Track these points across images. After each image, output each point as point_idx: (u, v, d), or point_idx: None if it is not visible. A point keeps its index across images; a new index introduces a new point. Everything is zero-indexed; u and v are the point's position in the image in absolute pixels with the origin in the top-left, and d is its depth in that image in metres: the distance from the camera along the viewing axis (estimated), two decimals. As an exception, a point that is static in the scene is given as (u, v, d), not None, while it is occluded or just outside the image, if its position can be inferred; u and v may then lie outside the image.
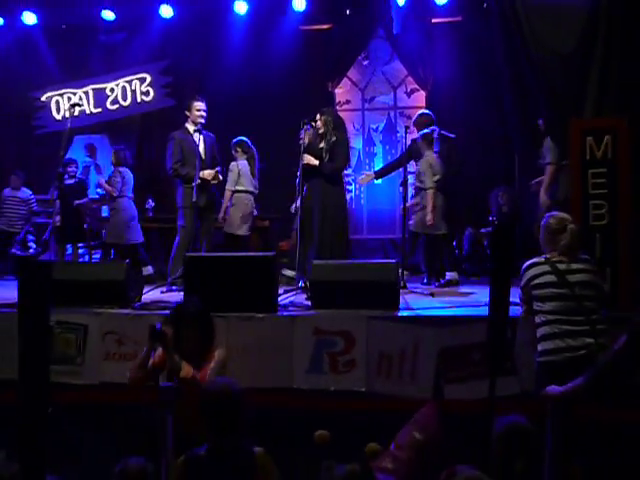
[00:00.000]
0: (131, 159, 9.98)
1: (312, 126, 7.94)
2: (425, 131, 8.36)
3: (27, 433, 2.31)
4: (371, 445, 3.99)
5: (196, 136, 8.04)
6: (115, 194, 9.46)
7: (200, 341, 4.75)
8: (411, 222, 8.29)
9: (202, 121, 8.07)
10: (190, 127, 8.09)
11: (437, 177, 8.16)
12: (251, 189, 8.90)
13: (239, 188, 8.82)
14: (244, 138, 9.07)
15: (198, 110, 8.09)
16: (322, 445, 4.26)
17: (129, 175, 9.77)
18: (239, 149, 9.03)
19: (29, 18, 11.09)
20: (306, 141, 8.11)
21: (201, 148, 8.05)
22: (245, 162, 8.91)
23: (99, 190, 10.54)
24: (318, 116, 8.03)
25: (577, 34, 7.32)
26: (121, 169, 9.67)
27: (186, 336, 4.69)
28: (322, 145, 7.93)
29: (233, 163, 8.86)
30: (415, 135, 8.93)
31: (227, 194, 8.79)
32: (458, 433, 4.65)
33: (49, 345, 2.31)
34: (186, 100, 8.60)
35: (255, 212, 9.07)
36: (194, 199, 7.84)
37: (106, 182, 9.70)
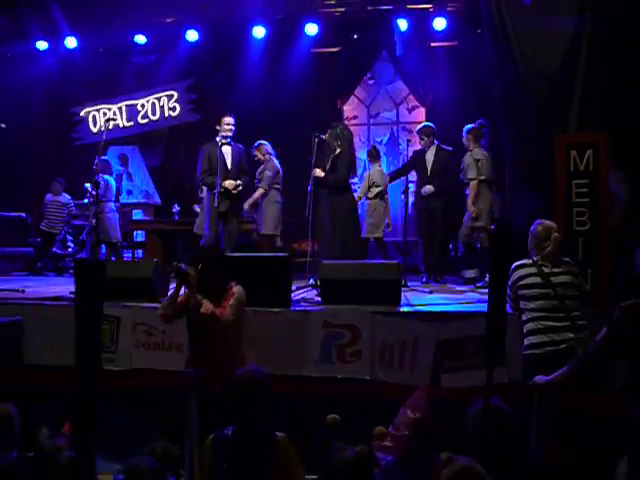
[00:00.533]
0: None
1: (323, 139, 7.96)
2: (471, 125, 8.27)
3: (83, 413, 2.34)
4: (379, 428, 3.99)
5: (224, 148, 8.09)
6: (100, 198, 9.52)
7: (218, 280, 4.78)
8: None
9: (230, 134, 8.10)
10: (219, 139, 8.13)
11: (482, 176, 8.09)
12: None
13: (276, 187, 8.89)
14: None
15: (227, 124, 8.12)
16: (333, 428, 4.26)
17: (112, 182, 9.84)
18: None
19: (71, 42, 11.19)
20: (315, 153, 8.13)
21: (228, 159, 8.07)
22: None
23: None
24: (328, 130, 8.08)
25: (562, 55, 7.29)
26: (105, 176, 9.73)
27: (206, 276, 4.71)
28: (329, 157, 7.98)
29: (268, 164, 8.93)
30: (417, 147, 8.96)
31: (260, 191, 8.86)
32: (453, 418, 4.66)
33: (101, 334, 2.34)
34: (211, 115, 8.64)
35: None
36: (215, 205, 7.87)
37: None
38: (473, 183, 7.99)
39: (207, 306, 4.61)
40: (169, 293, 4.85)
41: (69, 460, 3.26)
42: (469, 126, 8.23)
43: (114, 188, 9.93)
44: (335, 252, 7.64)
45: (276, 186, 8.96)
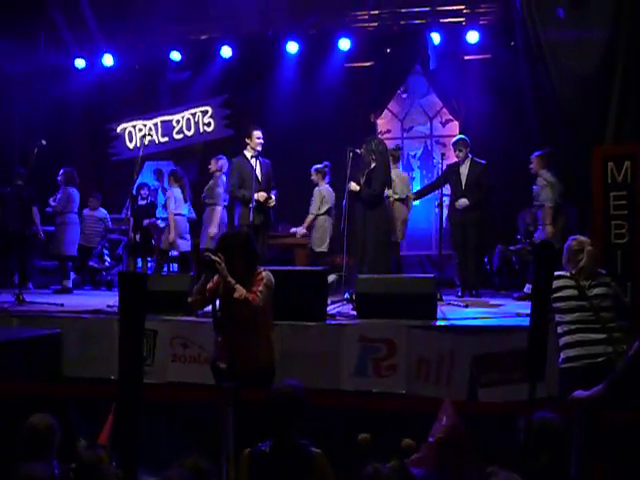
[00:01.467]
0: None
1: (358, 154, 7.98)
2: (539, 152, 8.15)
3: (126, 423, 2.37)
4: (406, 441, 3.96)
5: (253, 161, 8.12)
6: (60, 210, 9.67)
7: (246, 266, 4.76)
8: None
9: (259, 148, 8.14)
10: (248, 153, 8.16)
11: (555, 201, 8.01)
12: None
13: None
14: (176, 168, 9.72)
15: (258, 138, 8.18)
16: (365, 448, 4.24)
17: (75, 194, 9.90)
18: (171, 177, 9.73)
19: (107, 60, 11.39)
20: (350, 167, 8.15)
21: (258, 172, 8.11)
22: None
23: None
24: (363, 145, 8.10)
25: (597, 66, 7.26)
26: (69, 189, 9.80)
27: (233, 262, 4.69)
28: (362, 171, 8.00)
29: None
30: (450, 161, 8.95)
31: (310, 217, 8.97)
32: (490, 433, 4.62)
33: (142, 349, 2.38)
34: (244, 130, 8.70)
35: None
36: (250, 219, 7.91)
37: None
38: (548, 209, 7.89)
39: (240, 291, 4.58)
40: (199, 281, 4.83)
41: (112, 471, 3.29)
42: (538, 152, 8.15)
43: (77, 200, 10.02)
44: (369, 266, 7.64)
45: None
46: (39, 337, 5.81)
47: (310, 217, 9.06)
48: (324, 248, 8.95)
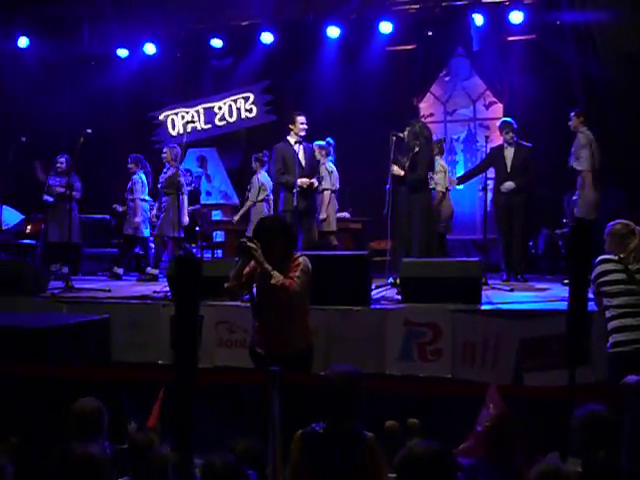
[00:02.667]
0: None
1: (401, 137, 7.94)
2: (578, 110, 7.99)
3: (181, 408, 2.42)
4: (410, 420, 3.97)
5: (297, 147, 8.15)
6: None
7: (284, 251, 4.79)
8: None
9: (303, 134, 8.18)
10: (291, 139, 8.20)
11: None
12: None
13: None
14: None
15: (302, 124, 8.21)
16: (411, 432, 4.24)
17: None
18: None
19: (150, 49, 11.51)
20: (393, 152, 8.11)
21: (301, 158, 8.14)
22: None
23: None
24: (406, 128, 8.06)
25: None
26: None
27: (271, 247, 4.72)
28: (406, 155, 7.96)
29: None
30: (494, 144, 8.86)
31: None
32: (538, 419, 4.59)
33: (197, 333, 2.41)
34: (286, 115, 8.73)
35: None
36: (295, 204, 7.95)
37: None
38: (587, 172, 7.62)
39: (277, 277, 4.62)
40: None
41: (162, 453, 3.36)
42: (577, 109, 7.99)
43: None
44: (413, 250, 7.62)
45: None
46: (88, 322, 5.90)
47: (248, 204, 9.31)
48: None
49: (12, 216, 10.66)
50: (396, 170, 7.78)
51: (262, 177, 9.34)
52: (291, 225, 5.15)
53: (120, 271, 9.57)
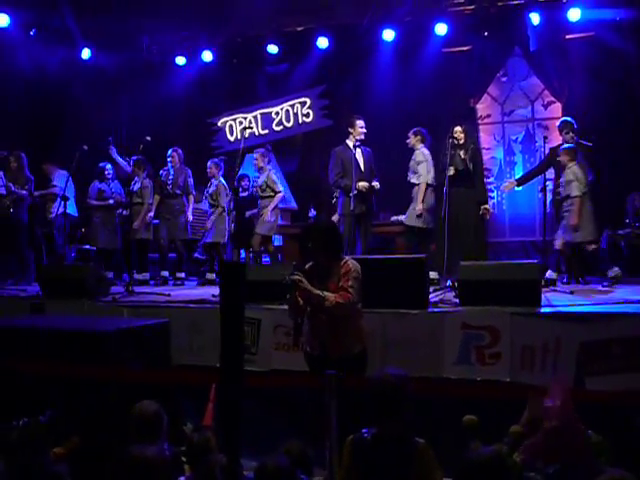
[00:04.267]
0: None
1: (454, 139, 7.87)
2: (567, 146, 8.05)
3: (229, 410, 2.43)
4: (515, 427, 3.89)
5: (356, 150, 8.19)
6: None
7: (329, 256, 4.83)
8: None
9: (362, 137, 8.22)
10: (350, 143, 8.23)
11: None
12: None
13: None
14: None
15: (361, 127, 8.27)
16: (470, 430, 4.19)
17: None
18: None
19: (207, 56, 11.68)
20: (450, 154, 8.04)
21: (360, 161, 8.16)
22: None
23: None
24: (458, 128, 7.99)
25: None
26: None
27: (316, 253, 4.79)
28: (463, 154, 7.90)
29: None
30: (553, 144, 8.70)
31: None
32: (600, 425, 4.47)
33: (243, 337, 2.43)
34: (343, 119, 8.75)
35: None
36: (352, 208, 7.94)
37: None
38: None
39: (330, 299, 4.66)
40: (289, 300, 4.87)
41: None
42: (566, 145, 8.05)
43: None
44: (462, 254, 7.53)
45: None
46: (149, 326, 5.99)
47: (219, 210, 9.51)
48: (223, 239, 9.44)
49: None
50: (452, 172, 7.73)
51: (223, 183, 9.61)
52: (336, 229, 5.14)
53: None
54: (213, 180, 9.63)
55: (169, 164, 9.65)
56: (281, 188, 9.51)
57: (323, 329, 4.81)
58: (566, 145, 8.18)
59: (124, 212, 10.04)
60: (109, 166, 10.00)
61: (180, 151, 9.70)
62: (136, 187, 9.59)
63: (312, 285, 4.73)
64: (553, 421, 3.47)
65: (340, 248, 4.97)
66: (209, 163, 9.70)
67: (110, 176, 10.01)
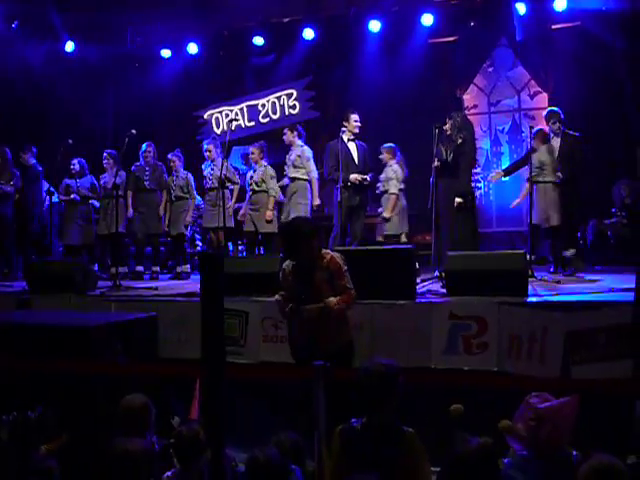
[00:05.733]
0: None
1: (444, 129, 7.91)
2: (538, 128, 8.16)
3: (210, 403, 2.45)
4: (504, 422, 3.92)
5: (350, 144, 8.23)
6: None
7: (315, 250, 4.91)
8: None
9: (357, 131, 8.28)
10: (345, 136, 8.26)
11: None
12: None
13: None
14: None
15: (355, 121, 8.31)
16: (457, 418, 4.21)
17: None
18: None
19: (192, 49, 11.66)
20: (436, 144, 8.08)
21: (354, 155, 8.22)
22: None
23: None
24: (447, 120, 8.02)
25: None
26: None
27: (302, 249, 4.85)
28: (445, 147, 7.94)
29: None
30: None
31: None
32: (592, 414, 4.51)
33: (224, 328, 2.44)
34: (329, 111, 8.77)
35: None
36: (339, 199, 7.99)
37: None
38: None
39: (336, 304, 4.82)
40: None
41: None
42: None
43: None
44: (451, 244, 7.60)
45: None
46: (136, 320, 6.00)
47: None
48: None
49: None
50: (436, 162, 7.79)
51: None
52: (316, 225, 5.23)
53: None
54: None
55: (143, 159, 9.52)
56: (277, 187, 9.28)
57: (313, 323, 4.85)
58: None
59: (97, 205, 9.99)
60: (76, 161, 9.82)
61: (153, 146, 9.58)
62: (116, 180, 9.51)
63: (298, 280, 4.84)
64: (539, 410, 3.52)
65: (315, 244, 5.00)
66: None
67: (76, 171, 9.84)
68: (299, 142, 9.00)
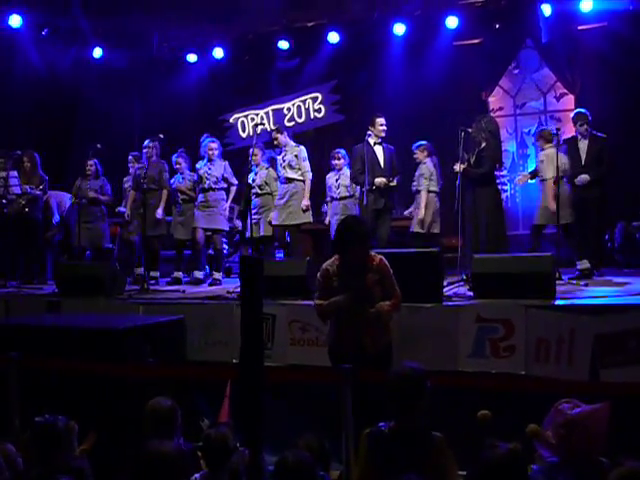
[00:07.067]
0: None
1: (469, 133, 7.88)
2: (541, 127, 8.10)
3: (249, 405, 2.45)
4: (532, 426, 3.88)
5: (377, 148, 8.23)
6: None
7: (366, 253, 4.92)
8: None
9: (383, 135, 8.27)
10: (371, 140, 8.26)
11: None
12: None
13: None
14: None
15: (381, 125, 8.30)
16: (484, 424, 4.18)
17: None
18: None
19: (218, 53, 11.73)
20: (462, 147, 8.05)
21: (380, 158, 8.22)
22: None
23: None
24: (473, 124, 8.01)
25: None
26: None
27: (355, 251, 4.85)
28: (472, 150, 7.92)
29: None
30: (566, 136, 8.68)
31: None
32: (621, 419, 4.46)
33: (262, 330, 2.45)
34: (354, 115, 8.76)
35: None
36: (365, 202, 7.99)
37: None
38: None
39: (388, 309, 4.86)
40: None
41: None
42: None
43: None
44: (479, 246, 7.55)
45: None
46: (164, 323, 6.04)
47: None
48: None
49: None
50: (457, 167, 7.76)
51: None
52: (368, 229, 5.21)
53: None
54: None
55: (144, 156, 9.34)
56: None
57: (357, 326, 4.84)
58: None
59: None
60: (92, 162, 9.70)
61: (158, 144, 9.34)
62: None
63: (346, 281, 4.86)
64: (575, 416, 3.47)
65: (369, 244, 5.06)
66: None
67: (91, 173, 9.75)
68: (292, 143, 9.08)
